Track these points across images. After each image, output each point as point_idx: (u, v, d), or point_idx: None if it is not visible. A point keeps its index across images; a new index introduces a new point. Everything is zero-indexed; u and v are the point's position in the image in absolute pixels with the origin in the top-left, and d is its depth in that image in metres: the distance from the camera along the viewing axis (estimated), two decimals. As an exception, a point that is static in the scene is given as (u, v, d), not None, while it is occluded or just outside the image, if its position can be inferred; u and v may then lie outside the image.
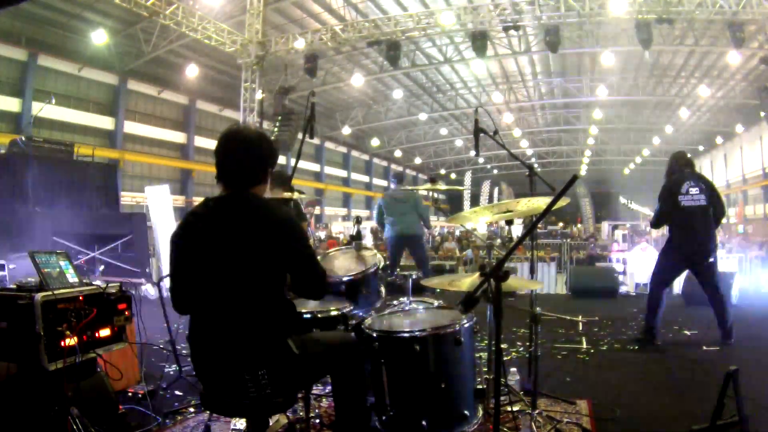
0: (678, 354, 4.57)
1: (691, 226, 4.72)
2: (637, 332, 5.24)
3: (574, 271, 9.64)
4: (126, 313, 2.81)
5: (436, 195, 6.81)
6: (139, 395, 3.31)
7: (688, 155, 5.11)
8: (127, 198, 16.69)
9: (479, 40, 14.03)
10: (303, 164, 26.68)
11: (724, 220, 5.59)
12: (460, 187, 27.37)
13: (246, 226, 2.02)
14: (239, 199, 2.08)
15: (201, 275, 2.05)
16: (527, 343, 3.76)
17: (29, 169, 6.82)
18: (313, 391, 3.06)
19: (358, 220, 3.30)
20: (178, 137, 22.18)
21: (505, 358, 4.21)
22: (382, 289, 2.97)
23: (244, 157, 2.12)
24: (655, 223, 5.14)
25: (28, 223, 6.56)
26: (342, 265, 2.98)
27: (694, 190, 4.73)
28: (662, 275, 4.99)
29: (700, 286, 5.01)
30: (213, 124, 23.53)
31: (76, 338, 2.45)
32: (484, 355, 2.90)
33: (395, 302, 2.89)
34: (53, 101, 9.69)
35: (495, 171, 39.48)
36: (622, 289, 8.77)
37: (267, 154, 2.18)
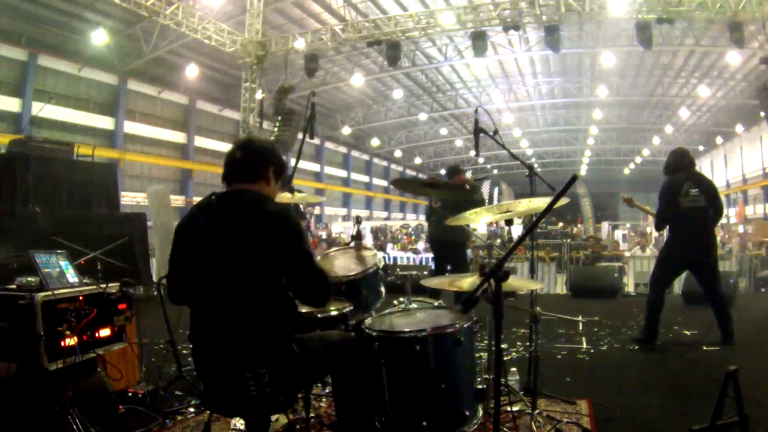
0: (678, 354, 4.57)
1: (690, 227, 4.72)
2: (637, 332, 5.24)
3: (574, 271, 9.64)
4: (126, 313, 2.82)
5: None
6: (139, 395, 3.30)
7: (690, 154, 5.10)
8: (127, 198, 16.67)
9: (479, 40, 14.03)
10: (303, 164, 26.67)
11: (723, 220, 5.60)
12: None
13: (242, 220, 2.03)
14: (237, 194, 2.11)
15: (200, 268, 2.06)
16: (527, 343, 3.76)
17: (29, 169, 6.80)
18: (313, 391, 3.06)
19: (358, 220, 3.30)
20: (178, 137, 22.16)
21: (505, 358, 4.21)
22: (382, 289, 2.97)
23: (242, 154, 2.20)
24: (659, 225, 5.15)
25: (28, 223, 6.55)
26: (342, 265, 2.98)
27: (693, 191, 4.73)
28: (662, 275, 5.00)
29: (700, 286, 5.01)
30: (213, 124, 23.53)
31: (76, 338, 2.45)
32: (484, 355, 2.90)
33: (395, 302, 2.89)
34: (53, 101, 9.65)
35: (495, 171, 39.49)
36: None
37: (264, 152, 2.23)
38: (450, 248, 5.96)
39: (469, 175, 38.66)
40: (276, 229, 2.03)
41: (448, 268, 5.96)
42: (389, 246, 18.34)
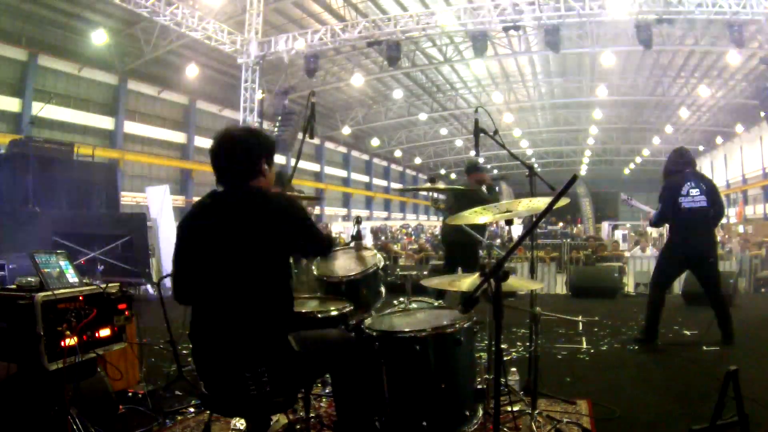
0: (678, 354, 4.57)
1: (691, 227, 4.72)
2: (637, 332, 5.24)
3: (575, 271, 9.63)
4: (126, 313, 2.81)
5: (435, 195, 6.70)
6: (139, 395, 3.31)
7: (690, 153, 5.09)
8: (127, 198, 16.66)
9: (479, 40, 14.02)
10: (303, 164, 26.67)
11: (723, 220, 5.59)
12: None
13: (243, 218, 2.04)
14: (236, 192, 2.12)
15: (202, 267, 2.06)
16: (527, 343, 3.76)
17: (29, 169, 6.81)
18: (313, 391, 3.05)
19: (358, 220, 3.30)
20: (178, 137, 22.17)
21: (505, 358, 4.21)
22: (382, 289, 2.97)
23: (233, 152, 2.18)
24: (656, 223, 5.16)
25: (28, 223, 6.56)
26: (342, 265, 2.98)
27: (694, 191, 4.73)
28: (662, 275, 5.00)
29: (701, 286, 5.01)
30: (213, 124, 23.52)
31: (76, 338, 2.45)
32: (484, 355, 2.89)
33: (395, 302, 2.89)
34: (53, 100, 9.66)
35: (495, 171, 39.50)
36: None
37: (256, 145, 2.21)
38: (458, 249, 5.92)
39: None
40: (284, 221, 2.07)
41: (460, 270, 5.90)
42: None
